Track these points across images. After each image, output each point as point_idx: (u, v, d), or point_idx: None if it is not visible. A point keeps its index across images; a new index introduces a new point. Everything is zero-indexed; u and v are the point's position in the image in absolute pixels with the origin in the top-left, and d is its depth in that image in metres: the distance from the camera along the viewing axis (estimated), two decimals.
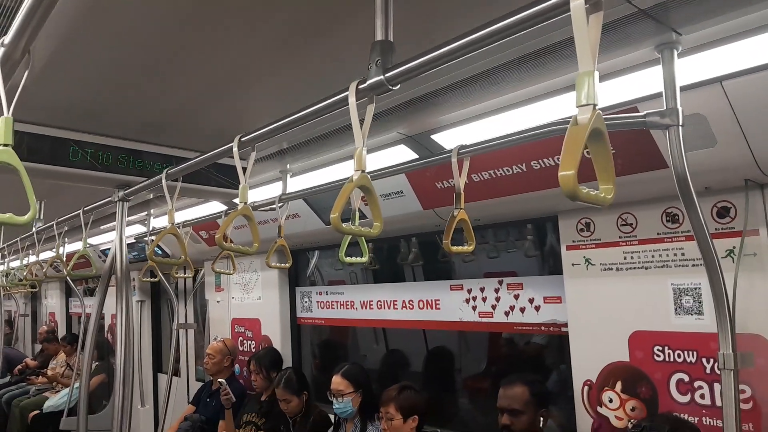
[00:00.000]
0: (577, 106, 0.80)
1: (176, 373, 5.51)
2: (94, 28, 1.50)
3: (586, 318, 2.42)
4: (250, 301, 4.50)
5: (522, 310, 2.84)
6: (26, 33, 1.08)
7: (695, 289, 2.10)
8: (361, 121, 1.20)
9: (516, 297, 2.87)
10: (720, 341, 1.52)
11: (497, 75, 1.68)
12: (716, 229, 2.01)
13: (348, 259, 1.90)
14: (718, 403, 2.04)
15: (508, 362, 3.27)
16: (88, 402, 2.67)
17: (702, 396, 2.09)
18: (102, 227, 4.34)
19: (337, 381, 3.10)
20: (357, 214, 1.63)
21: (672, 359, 2.16)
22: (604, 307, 2.35)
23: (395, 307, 3.49)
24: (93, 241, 5.41)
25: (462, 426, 3.38)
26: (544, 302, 2.76)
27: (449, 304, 3.18)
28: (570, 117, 0.79)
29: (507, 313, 2.91)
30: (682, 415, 2.10)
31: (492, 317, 2.97)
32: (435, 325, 3.31)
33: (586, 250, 2.41)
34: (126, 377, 2.29)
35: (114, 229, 2.43)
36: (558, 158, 2.08)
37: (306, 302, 4.20)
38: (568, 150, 0.76)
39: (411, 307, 3.39)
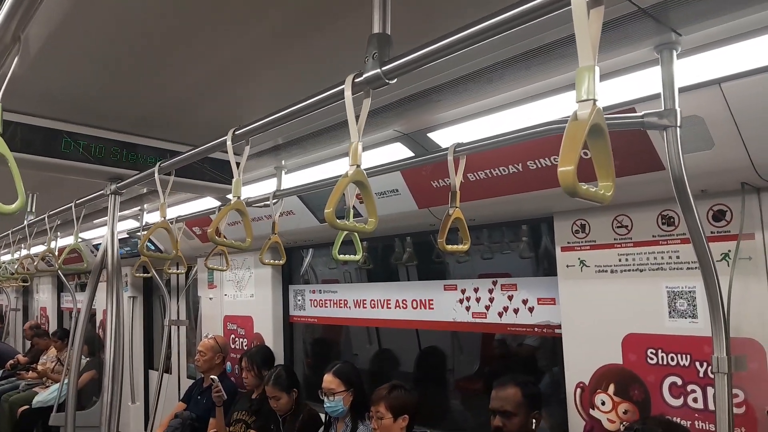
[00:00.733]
0: (577, 102, 0.79)
1: (167, 370, 5.47)
2: (88, 17, 1.48)
3: (580, 320, 2.41)
4: (242, 298, 4.48)
5: (516, 311, 2.83)
6: (16, 18, 1.05)
7: (690, 292, 2.10)
8: (358, 116, 1.19)
9: (510, 298, 2.86)
10: (714, 345, 1.52)
11: (495, 73, 1.66)
12: (712, 233, 2.01)
13: (342, 257, 1.88)
14: (711, 406, 2.03)
15: (501, 363, 3.26)
16: (78, 398, 2.66)
17: (695, 400, 2.09)
18: (95, 221, 4.31)
19: (329, 379, 3.08)
20: (351, 211, 1.62)
21: (665, 362, 2.15)
22: (598, 309, 2.35)
23: (388, 306, 3.47)
24: (86, 235, 5.37)
25: (453, 426, 3.36)
26: (538, 303, 2.75)
27: (443, 304, 3.17)
28: (568, 116, 0.77)
29: (500, 314, 2.90)
30: (674, 419, 2.09)
31: (485, 318, 2.96)
32: (428, 325, 3.30)
33: (581, 251, 2.40)
34: (115, 373, 2.27)
35: (107, 224, 2.40)
36: (555, 158, 2.08)
37: (299, 300, 4.18)
38: (568, 145, 0.75)
39: (404, 306, 3.38)
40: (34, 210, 3.58)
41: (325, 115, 2.02)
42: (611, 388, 2.30)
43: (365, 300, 3.64)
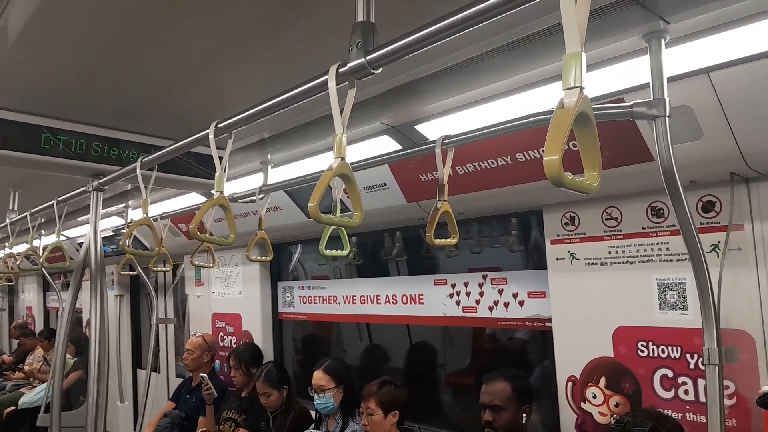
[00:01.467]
0: (564, 89, 0.77)
1: (156, 369, 5.43)
2: (64, 8, 1.43)
3: (570, 313, 2.40)
4: (230, 295, 4.44)
5: (506, 305, 2.82)
6: None
7: (680, 284, 2.09)
8: (343, 108, 1.16)
9: (500, 292, 2.85)
10: (705, 336, 1.50)
11: (482, 63, 1.63)
12: (701, 224, 2.00)
13: (329, 252, 1.86)
14: (702, 398, 2.03)
15: (492, 358, 3.25)
16: (66, 398, 2.62)
17: (686, 392, 2.08)
18: (79, 219, 4.25)
19: (319, 376, 3.06)
20: (338, 205, 1.59)
21: (656, 355, 2.15)
22: (588, 302, 2.34)
23: (378, 302, 3.45)
24: (71, 233, 5.30)
25: (444, 422, 3.35)
26: (528, 297, 2.74)
27: (433, 299, 3.15)
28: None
29: (491, 308, 2.88)
30: (665, 411, 2.09)
31: (476, 312, 2.95)
32: (418, 320, 3.28)
33: (570, 244, 2.39)
34: (101, 372, 2.23)
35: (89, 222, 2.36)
36: (543, 150, 2.04)
37: (288, 297, 4.15)
38: (554, 134, 0.73)
39: (394, 302, 3.36)
40: (16, 208, 3.51)
41: (310, 108, 1.99)
42: (602, 381, 2.29)
43: (355, 296, 3.61)
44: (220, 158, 1.57)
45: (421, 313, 3.23)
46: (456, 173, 2.37)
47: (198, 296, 4.80)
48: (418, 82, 1.80)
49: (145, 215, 2.03)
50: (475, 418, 2.50)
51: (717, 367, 1.48)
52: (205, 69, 1.82)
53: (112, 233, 4.75)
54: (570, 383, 2.39)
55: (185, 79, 1.90)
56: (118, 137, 2.30)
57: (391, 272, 3.69)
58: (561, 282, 2.44)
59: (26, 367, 6.70)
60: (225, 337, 4.47)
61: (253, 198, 2.56)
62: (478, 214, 2.87)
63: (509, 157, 2.21)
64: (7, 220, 3.50)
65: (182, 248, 4.56)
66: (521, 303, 2.77)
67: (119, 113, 2.19)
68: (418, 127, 2.25)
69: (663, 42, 1.46)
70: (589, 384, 2.33)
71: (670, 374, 2.12)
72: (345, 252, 1.89)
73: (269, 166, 2.79)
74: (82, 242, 5.37)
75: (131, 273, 4.41)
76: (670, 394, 2.11)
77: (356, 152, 2.21)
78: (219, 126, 1.54)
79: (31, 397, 5.83)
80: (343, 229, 1.82)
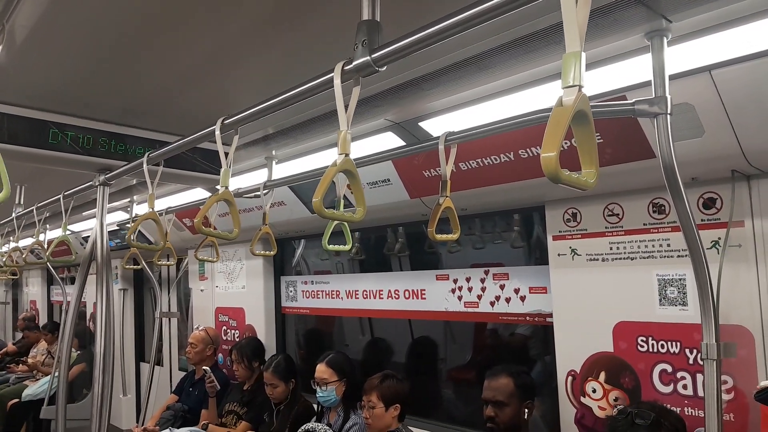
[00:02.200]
0: (563, 88, 0.79)
1: (159, 362, 5.46)
2: (72, 8, 1.46)
3: (571, 308, 2.42)
4: (234, 290, 4.47)
5: (507, 300, 2.84)
6: None
7: (680, 279, 2.11)
8: (347, 105, 1.18)
9: (501, 287, 2.87)
10: (703, 331, 1.52)
11: (485, 60, 1.65)
12: (702, 220, 2.01)
13: (332, 247, 1.88)
14: (701, 393, 2.05)
15: (493, 353, 3.27)
16: (69, 391, 2.65)
17: (684, 386, 2.10)
18: (84, 214, 4.28)
19: (321, 369, 3.08)
20: (342, 201, 1.62)
21: (656, 350, 2.17)
22: (589, 298, 2.36)
23: (381, 296, 3.47)
24: (75, 228, 5.33)
25: (445, 416, 3.38)
26: (530, 292, 2.76)
27: (435, 294, 3.17)
28: None
29: (492, 303, 2.90)
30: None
31: (477, 307, 2.97)
32: (420, 315, 3.30)
33: (572, 240, 2.41)
34: (106, 365, 2.25)
35: (96, 216, 2.38)
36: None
37: (291, 291, 4.17)
38: (552, 131, 0.75)
39: (397, 296, 3.38)
40: (22, 202, 3.54)
41: (315, 104, 2.01)
42: (602, 376, 2.32)
43: (357, 291, 3.63)
44: (226, 154, 1.60)
45: (423, 308, 3.25)
46: (459, 169, 2.39)
47: (201, 290, 4.83)
48: (422, 80, 1.82)
49: (151, 209, 2.06)
50: (476, 413, 2.53)
51: (715, 362, 1.50)
52: (210, 67, 1.84)
53: (117, 227, 4.78)
54: (570, 378, 2.42)
55: (191, 77, 1.93)
56: (125, 132, 2.32)
57: (393, 267, 3.71)
58: (562, 277, 2.45)
59: (30, 360, 6.74)
60: (228, 331, 4.50)
61: (258, 193, 2.58)
62: (480, 211, 2.88)
63: (512, 153, 2.23)
64: (13, 215, 3.53)
65: (186, 243, 4.59)
66: (522, 298, 2.79)
67: (126, 110, 2.21)
68: (421, 124, 2.26)
69: (665, 40, 1.47)
70: (589, 378, 2.35)
71: (669, 369, 2.14)
72: (347, 247, 1.91)
73: (273, 162, 2.81)
74: (87, 237, 5.43)
75: (135, 267, 4.44)
76: (669, 389, 2.14)
77: (360, 148, 2.23)
78: (225, 122, 1.56)
79: (34, 389, 5.87)
80: (345, 224, 1.85)
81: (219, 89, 2.05)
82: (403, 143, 2.37)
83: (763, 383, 1.60)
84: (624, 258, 2.25)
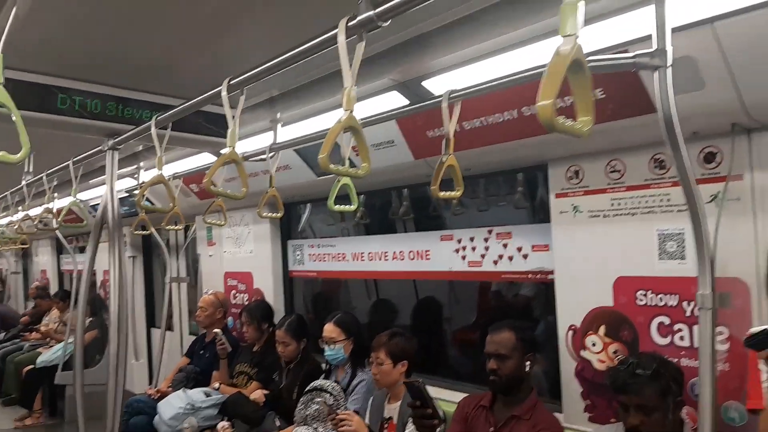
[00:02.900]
0: (562, 36, 0.81)
1: (169, 327, 5.58)
2: None
3: (573, 265, 2.47)
4: (242, 254, 4.53)
5: (510, 258, 2.89)
6: None
7: (679, 234, 2.14)
8: (352, 63, 1.19)
9: (505, 246, 2.91)
10: (699, 282, 1.55)
11: (489, 15, 1.66)
12: (702, 175, 2.03)
13: (338, 207, 1.91)
14: (697, 344, 2.10)
15: (497, 312, 3.33)
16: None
17: (681, 338, 2.16)
18: (91, 182, 4.32)
19: (330, 329, 3.16)
20: (347, 161, 1.64)
21: (654, 303, 2.22)
22: (590, 254, 2.40)
23: (386, 258, 3.53)
24: (83, 196, 5.37)
25: (449, 372, 3.47)
26: (532, 250, 2.80)
27: (439, 254, 3.22)
28: None
29: (495, 262, 2.95)
30: None
31: (481, 266, 3.01)
32: (425, 275, 3.36)
33: (574, 197, 2.44)
34: (121, 328, 2.32)
35: (104, 183, 2.42)
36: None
37: (298, 255, 4.24)
38: (548, 80, 0.78)
39: (402, 258, 3.43)
40: (31, 170, 3.58)
41: (319, 64, 2.02)
42: (602, 330, 2.37)
43: (363, 253, 3.69)
44: (233, 116, 1.62)
45: (427, 269, 3.30)
46: (463, 128, 2.40)
47: (210, 255, 4.90)
48: (426, 36, 1.83)
49: (159, 172, 2.09)
50: (479, 370, 2.59)
51: (710, 311, 1.54)
52: (215, 28, 1.85)
53: (126, 194, 4.82)
54: (570, 332, 2.48)
55: (196, 39, 1.94)
56: (132, 97, 2.34)
57: (398, 230, 3.76)
58: (564, 234, 2.49)
59: (42, 328, 6.89)
60: (237, 294, 4.58)
61: (263, 157, 2.61)
62: (484, 170, 2.90)
63: (515, 111, 2.24)
64: (23, 182, 3.57)
65: (194, 209, 4.63)
66: (525, 256, 2.83)
67: (133, 74, 2.23)
68: (425, 83, 2.27)
69: None
70: (589, 332, 2.41)
71: (667, 321, 2.19)
72: (353, 207, 1.94)
73: (279, 125, 2.83)
74: (94, 204, 5.48)
75: (144, 233, 4.49)
76: (667, 341, 2.19)
77: (364, 109, 2.24)
78: (231, 83, 1.58)
79: (48, 356, 6.02)
80: (351, 184, 1.88)
81: (224, 51, 2.06)
82: (407, 103, 2.38)
83: (753, 329, 1.65)
84: (625, 214, 2.28)
